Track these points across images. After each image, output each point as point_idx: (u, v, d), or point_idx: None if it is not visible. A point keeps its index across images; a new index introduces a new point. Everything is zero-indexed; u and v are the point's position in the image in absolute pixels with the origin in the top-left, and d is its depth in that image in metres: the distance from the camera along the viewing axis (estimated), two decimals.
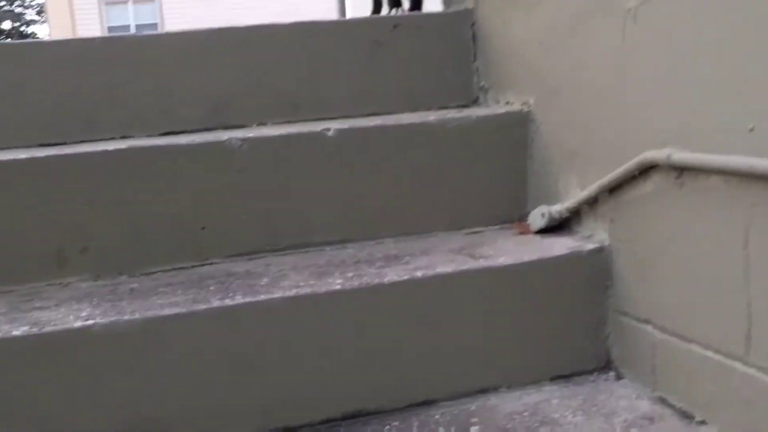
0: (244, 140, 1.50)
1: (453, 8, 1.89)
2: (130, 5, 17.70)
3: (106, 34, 14.43)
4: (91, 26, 16.44)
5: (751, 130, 1.03)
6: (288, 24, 1.77)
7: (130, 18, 17.51)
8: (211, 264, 1.50)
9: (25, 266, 1.44)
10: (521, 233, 1.55)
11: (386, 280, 1.31)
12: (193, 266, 1.49)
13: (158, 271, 1.48)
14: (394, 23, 1.81)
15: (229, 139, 1.50)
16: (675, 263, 1.22)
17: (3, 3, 24.05)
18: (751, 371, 1.08)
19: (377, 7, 2.22)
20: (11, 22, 24.99)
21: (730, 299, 1.11)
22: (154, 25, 17.47)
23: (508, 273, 1.36)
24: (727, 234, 1.10)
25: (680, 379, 1.24)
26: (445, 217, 1.60)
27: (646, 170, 1.26)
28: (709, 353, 1.16)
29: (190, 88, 1.73)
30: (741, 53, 1.04)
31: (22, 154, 1.46)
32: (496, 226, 1.61)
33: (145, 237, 1.48)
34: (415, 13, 1.98)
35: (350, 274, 1.35)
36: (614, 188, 1.35)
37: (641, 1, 1.23)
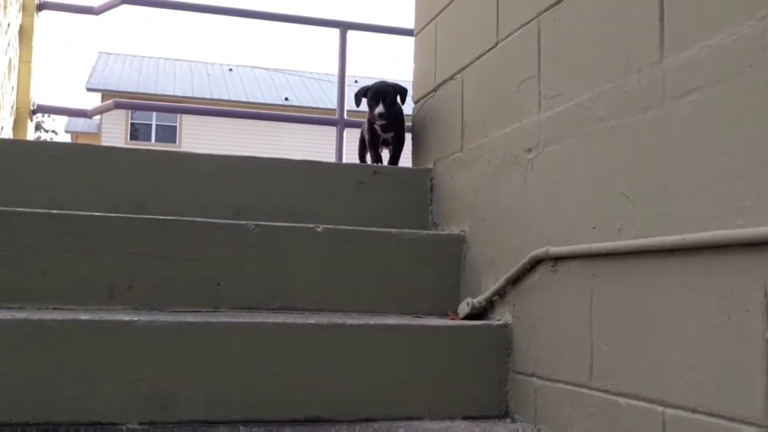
0: (257, 225, 1.98)
1: (418, 166, 2.48)
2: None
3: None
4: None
5: (594, 228, 1.54)
6: (298, 160, 2.33)
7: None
8: (221, 312, 1.92)
9: (85, 293, 1.86)
10: (452, 319, 2.00)
11: (348, 322, 1.75)
12: (207, 311, 1.91)
13: (181, 311, 1.89)
14: (374, 170, 2.38)
15: (247, 223, 1.98)
16: (549, 328, 1.67)
17: None
18: (593, 392, 1.50)
19: (362, 160, 2.81)
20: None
21: (580, 344, 1.55)
22: (173, 127, 20.24)
23: (437, 332, 1.80)
24: (579, 300, 1.56)
25: (550, 411, 1.64)
26: (396, 303, 2.05)
27: (534, 265, 1.74)
28: (569, 387, 1.58)
29: (219, 195, 2.25)
30: (587, 185, 1.57)
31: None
32: (435, 316, 2.05)
33: (174, 285, 1.91)
34: (391, 166, 2.55)
35: (324, 321, 1.77)
36: (515, 280, 1.82)
37: (535, 154, 1.78)
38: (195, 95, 20.65)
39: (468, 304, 1.97)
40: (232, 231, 1.97)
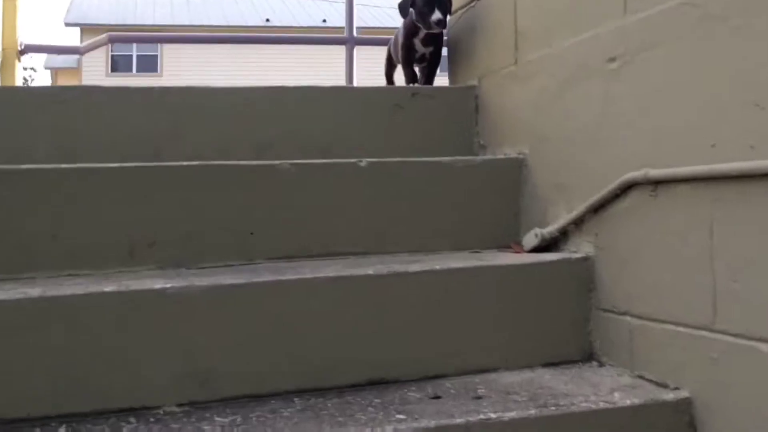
0: (293, 164, 1.69)
1: (460, 84, 2.16)
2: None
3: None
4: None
5: (713, 146, 1.26)
6: (327, 87, 2.01)
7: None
8: (256, 264, 1.65)
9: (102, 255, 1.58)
10: (516, 252, 1.74)
11: (410, 269, 1.48)
12: (241, 264, 1.64)
13: (211, 267, 1.62)
14: (413, 92, 2.07)
15: (282, 163, 1.69)
16: (647, 260, 1.42)
17: None
18: (717, 336, 1.26)
19: (389, 81, 2.48)
20: None
21: (697, 280, 1.29)
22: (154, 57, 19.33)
23: (510, 271, 1.54)
24: (694, 229, 1.30)
25: (654, 356, 1.40)
26: (450, 239, 1.78)
27: (625, 189, 1.47)
28: (680, 328, 1.33)
29: (241, 133, 1.94)
30: (702, 98, 1.28)
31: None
32: (494, 249, 1.79)
33: (202, 239, 1.63)
34: (431, 86, 2.23)
35: (380, 266, 1.50)
36: (598, 208, 1.55)
37: (621, 63, 1.48)
38: (175, 23, 19.82)
39: (537, 235, 1.70)
40: (265, 172, 1.68)
